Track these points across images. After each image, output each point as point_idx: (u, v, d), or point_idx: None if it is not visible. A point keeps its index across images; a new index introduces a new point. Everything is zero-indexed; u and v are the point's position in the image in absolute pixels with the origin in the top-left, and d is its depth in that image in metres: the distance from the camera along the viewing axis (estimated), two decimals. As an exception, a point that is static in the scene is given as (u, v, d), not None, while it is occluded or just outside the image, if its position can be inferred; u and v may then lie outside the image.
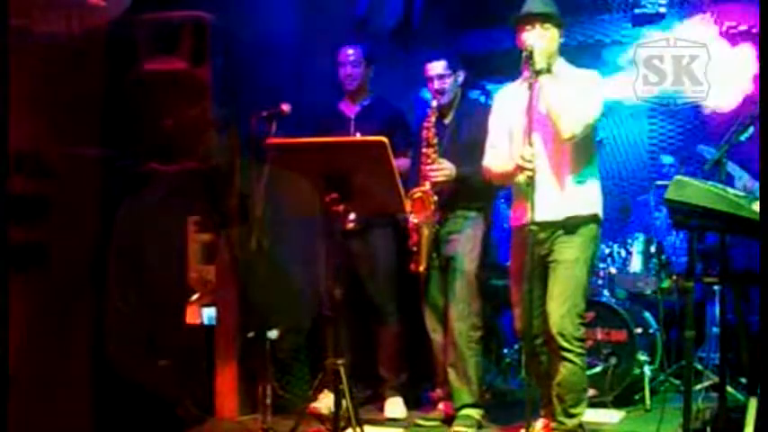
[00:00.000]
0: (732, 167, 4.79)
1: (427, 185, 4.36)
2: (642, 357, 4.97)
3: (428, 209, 4.37)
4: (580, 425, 3.98)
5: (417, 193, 4.37)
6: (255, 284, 4.26)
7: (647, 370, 4.97)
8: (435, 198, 4.36)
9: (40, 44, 3.74)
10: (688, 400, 3.63)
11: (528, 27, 3.89)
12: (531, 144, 3.62)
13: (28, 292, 3.77)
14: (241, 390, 4.71)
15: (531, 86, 3.71)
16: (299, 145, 3.84)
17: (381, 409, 4.82)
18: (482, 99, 6.00)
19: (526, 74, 3.82)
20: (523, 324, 3.90)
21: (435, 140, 4.40)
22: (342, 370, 3.62)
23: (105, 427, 4.21)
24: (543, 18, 3.90)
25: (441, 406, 4.66)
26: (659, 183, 5.40)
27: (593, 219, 3.96)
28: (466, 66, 4.63)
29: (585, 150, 3.95)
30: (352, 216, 4.57)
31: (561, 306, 3.87)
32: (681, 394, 4.07)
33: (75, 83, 4.08)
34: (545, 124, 3.86)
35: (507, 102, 4.10)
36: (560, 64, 3.99)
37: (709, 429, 3.97)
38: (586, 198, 3.95)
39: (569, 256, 3.90)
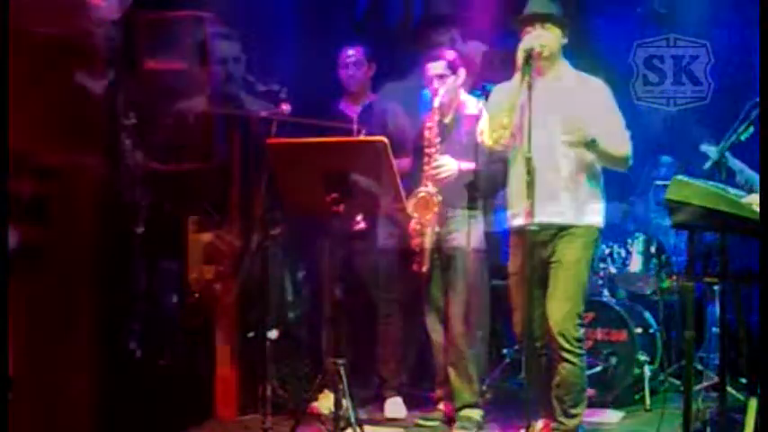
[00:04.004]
0: (732, 162, 4.78)
1: (430, 186, 4.36)
2: (642, 357, 4.97)
3: (431, 210, 4.35)
4: (580, 425, 3.98)
5: (421, 192, 4.36)
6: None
7: (647, 370, 4.97)
8: (440, 198, 4.35)
9: (41, 44, 3.74)
10: (688, 400, 3.62)
11: (528, 28, 3.88)
12: (529, 146, 3.60)
13: (28, 294, 3.76)
14: (241, 390, 4.71)
15: (530, 86, 3.69)
16: (299, 145, 3.84)
17: (381, 409, 4.82)
18: (482, 99, 5.98)
19: (518, 74, 3.77)
20: (524, 326, 3.91)
21: (437, 140, 4.40)
22: (342, 370, 3.62)
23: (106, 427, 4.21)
24: (544, 18, 3.89)
25: (441, 406, 4.66)
26: (659, 183, 5.39)
27: (595, 224, 3.97)
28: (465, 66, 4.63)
29: (586, 153, 3.93)
30: (359, 217, 4.57)
31: (562, 307, 3.87)
32: (681, 394, 4.07)
33: (76, 83, 4.08)
34: (543, 127, 3.82)
35: (504, 96, 4.02)
36: (564, 68, 3.98)
37: (709, 429, 3.97)
38: (587, 204, 3.94)
39: (571, 256, 3.89)
